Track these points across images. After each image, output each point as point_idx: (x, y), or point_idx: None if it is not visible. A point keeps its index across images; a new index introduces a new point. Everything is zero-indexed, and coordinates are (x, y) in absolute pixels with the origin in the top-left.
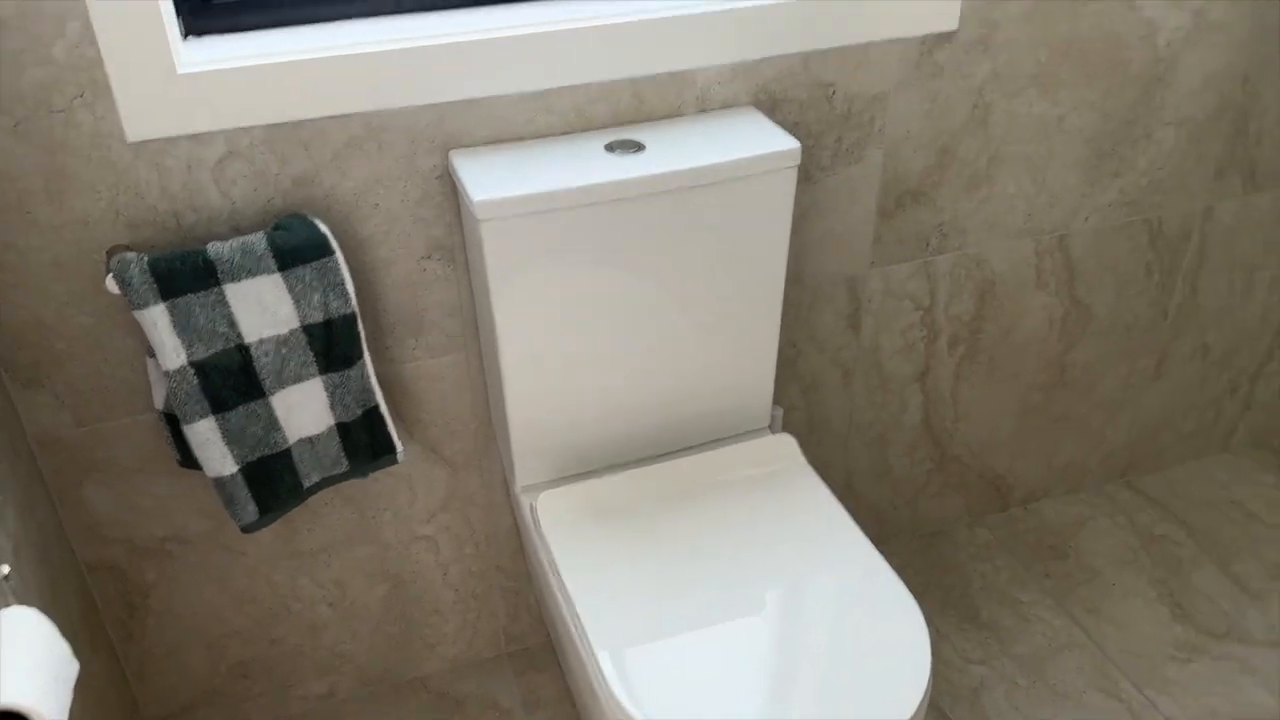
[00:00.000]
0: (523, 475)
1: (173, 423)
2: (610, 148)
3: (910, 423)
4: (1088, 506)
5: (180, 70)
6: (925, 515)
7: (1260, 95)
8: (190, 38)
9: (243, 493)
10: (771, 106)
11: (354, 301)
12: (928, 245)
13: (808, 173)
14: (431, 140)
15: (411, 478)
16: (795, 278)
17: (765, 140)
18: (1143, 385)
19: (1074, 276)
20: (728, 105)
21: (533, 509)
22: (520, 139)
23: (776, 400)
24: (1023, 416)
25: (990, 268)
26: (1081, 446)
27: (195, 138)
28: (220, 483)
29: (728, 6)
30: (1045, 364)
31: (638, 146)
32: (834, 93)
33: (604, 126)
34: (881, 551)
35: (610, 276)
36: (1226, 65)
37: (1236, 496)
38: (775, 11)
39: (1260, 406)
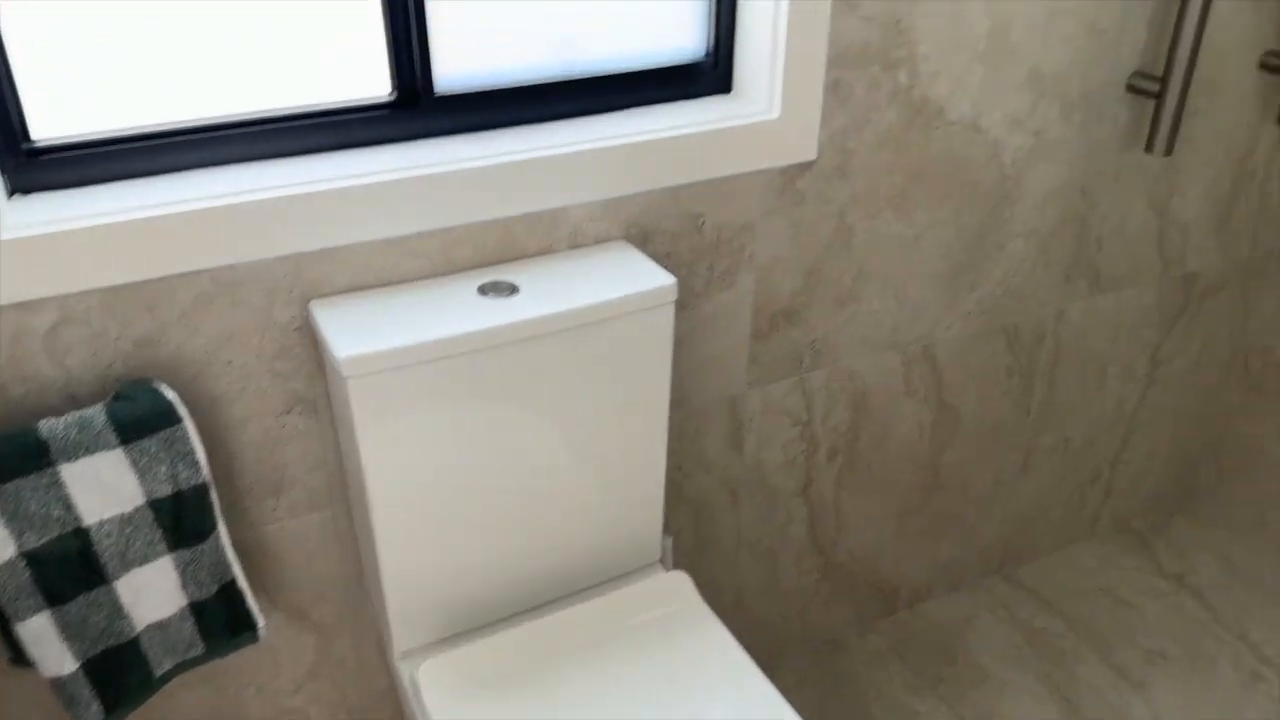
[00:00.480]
0: (401, 640)
1: (1, 619)
2: (483, 290)
3: (796, 535)
4: (970, 604)
5: (2, 235)
6: (815, 625)
7: (1098, 205)
8: (16, 196)
9: (85, 692)
10: (644, 239)
11: (205, 470)
12: (801, 363)
13: (684, 300)
14: (289, 291)
15: (276, 647)
16: (677, 401)
17: (641, 277)
18: (1011, 480)
19: (941, 383)
20: (601, 240)
21: (413, 680)
22: (386, 284)
23: (665, 525)
24: (902, 519)
25: (862, 380)
26: (959, 543)
27: (22, 306)
28: (59, 683)
29: (594, 146)
30: (920, 467)
31: (511, 289)
32: (703, 223)
33: (475, 267)
34: (777, 667)
35: (488, 421)
36: (1066, 180)
37: (1105, 583)
38: (642, 149)
39: (1119, 493)
